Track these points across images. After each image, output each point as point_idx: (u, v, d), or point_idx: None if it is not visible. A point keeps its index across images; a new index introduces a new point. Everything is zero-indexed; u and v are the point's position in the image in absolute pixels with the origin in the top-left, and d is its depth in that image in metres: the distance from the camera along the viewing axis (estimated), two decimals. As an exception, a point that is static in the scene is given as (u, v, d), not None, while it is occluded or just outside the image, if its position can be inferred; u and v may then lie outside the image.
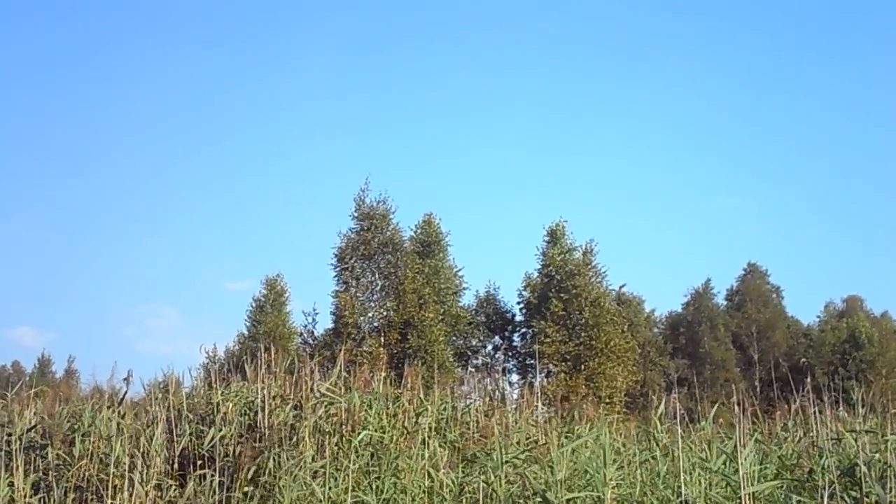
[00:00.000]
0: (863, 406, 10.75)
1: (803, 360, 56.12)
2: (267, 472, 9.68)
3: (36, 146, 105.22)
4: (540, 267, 50.48)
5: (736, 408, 7.38)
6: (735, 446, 7.91)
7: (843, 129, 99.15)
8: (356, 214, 48.90)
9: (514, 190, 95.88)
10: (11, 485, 9.75)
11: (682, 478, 7.20)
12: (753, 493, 6.82)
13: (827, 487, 7.09)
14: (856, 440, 8.55)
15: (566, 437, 9.38)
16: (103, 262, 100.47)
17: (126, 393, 11.06)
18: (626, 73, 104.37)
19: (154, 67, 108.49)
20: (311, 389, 10.95)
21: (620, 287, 50.82)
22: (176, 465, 10.09)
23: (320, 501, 8.57)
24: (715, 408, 11.28)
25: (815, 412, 10.18)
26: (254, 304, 56.15)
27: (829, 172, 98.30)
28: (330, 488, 8.80)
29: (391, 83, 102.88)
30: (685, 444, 7.98)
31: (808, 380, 10.89)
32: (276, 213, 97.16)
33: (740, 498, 6.84)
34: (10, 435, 10.37)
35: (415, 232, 51.47)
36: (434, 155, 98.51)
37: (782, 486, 7.97)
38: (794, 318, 72.19)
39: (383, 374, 12.30)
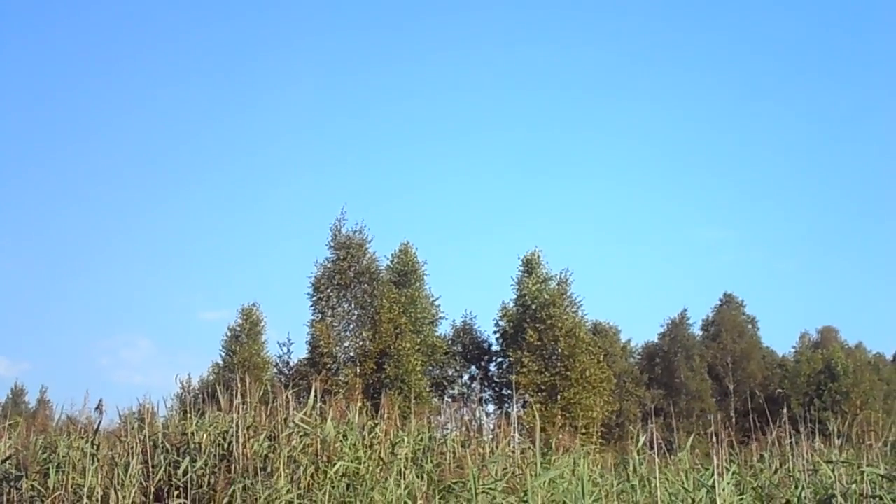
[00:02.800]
0: (838, 437, 10.78)
1: (779, 390, 56.30)
2: (241, 502, 9.62)
3: (9, 178, 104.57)
4: (515, 297, 50.52)
5: (714, 438, 7.37)
6: (712, 477, 7.91)
7: (818, 162, 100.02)
8: (332, 244, 48.87)
9: (491, 219, 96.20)
10: (-16, 517, 9.66)
11: (659, 509, 7.18)
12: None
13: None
14: (832, 470, 8.57)
15: (543, 468, 9.34)
16: (77, 291, 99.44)
17: (100, 423, 10.98)
18: (604, 103, 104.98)
19: (130, 98, 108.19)
20: (286, 420, 10.89)
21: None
22: (151, 496, 10.00)
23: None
24: (691, 438, 11.29)
25: (790, 443, 10.20)
26: (229, 334, 55.78)
27: (804, 204, 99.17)
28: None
29: (367, 113, 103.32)
30: (662, 475, 7.98)
31: (785, 410, 10.90)
32: (252, 242, 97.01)
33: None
34: (-17, 467, 10.28)
35: (391, 261, 51.49)
36: (410, 185, 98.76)
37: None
38: (770, 349, 72.37)
39: (359, 405, 12.23)
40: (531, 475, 8.81)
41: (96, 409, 11.03)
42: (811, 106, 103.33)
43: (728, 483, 7.46)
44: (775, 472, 10.36)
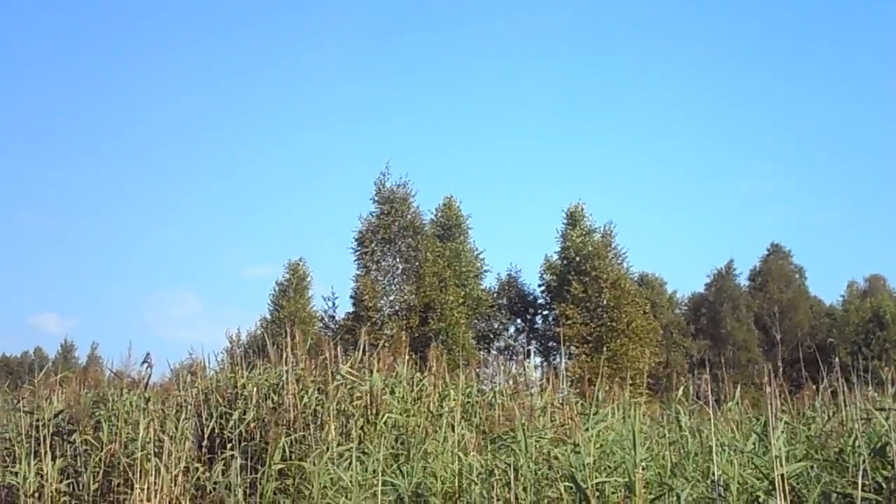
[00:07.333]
0: (892, 385, 10.66)
1: (829, 339, 55.90)
2: (292, 455, 9.70)
3: (58, 133, 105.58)
4: (560, 249, 50.46)
5: (767, 388, 7.31)
6: (765, 426, 7.85)
7: (863, 107, 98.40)
8: (377, 198, 49.04)
9: (534, 172, 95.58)
10: (40, 471, 9.79)
11: (714, 459, 7.14)
12: (785, 474, 6.76)
13: (859, 467, 7.03)
14: (886, 419, 8.48)
15: (592, 419, 9.34)
16: (125, 248, 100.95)
17: (150, 377, 11.08)
18: (644, 56, 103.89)
19: (171, 52, 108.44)
20: (334, 372, 10.94)
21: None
22: (203, 449, 10.10)
23: (348, 485, 8.55)
24: (738, 388, 11.24)
25: (842, 391, 10.10)
26: (276, 289, 56.25)
27: (850, 151, 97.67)
28: (358, 472, 8.77)
29: (411, 67, 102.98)
30: (713, 426, 7.94)
31: (836, 359, 10.79)
32: (295, 197, 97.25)
33: (772, 479, 6.78)
34: (38, 421, 10.41)
35: (435, 215, 51.52)
36: (454, 139, 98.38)
37: (812, 467, 7.91)
38: (817, 298, 71.88)
39: (406, 358, 12.26)
40: (581, 426, 8.80)
41: (143, 362, 11.10)
42: (857, 50, 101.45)
43: (782, 432, 7.41)
44: (827, 421, 10.28)
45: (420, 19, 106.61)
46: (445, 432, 9.45)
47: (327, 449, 9.27)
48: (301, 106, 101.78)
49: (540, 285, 52.37)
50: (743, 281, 70.72)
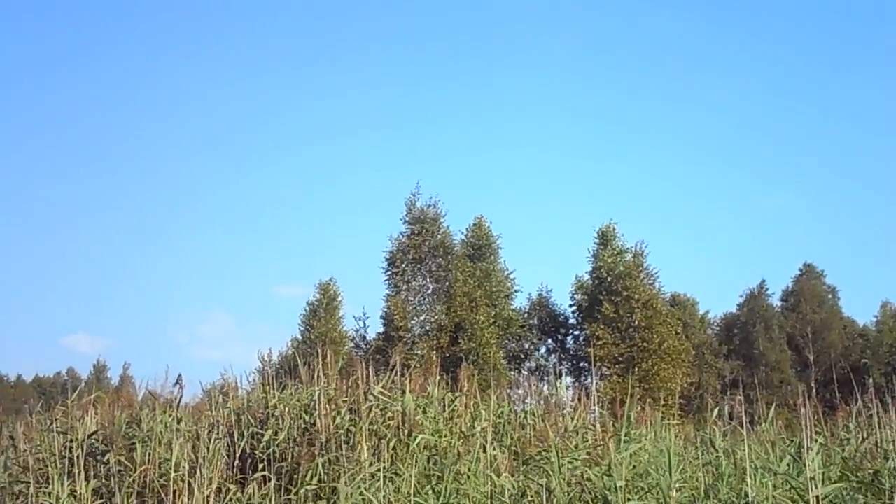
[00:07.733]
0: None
1: (863, 360, 55.38)
2: (325, 475, 9.69)
3: (91, 154, 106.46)
4: (591, 269, 50.35)
5: (801, 409, 7.26)
6: (799, 448, 7.79)
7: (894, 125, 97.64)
8: (407, 218, 49.15)
9: (565, 192, 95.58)
10: (73, 491, 9.83)
11: (748, 481, 7.09)
12: (820, 495, 6.70)
13: (894, 489, 6.96)
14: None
15: (624, 441, 9.29)
16: (156, 268, 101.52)
17: (181, 397, 11.14)
18: (676, 73, 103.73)
19: (202, 71, 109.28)
20: (366, 393, 10.94)
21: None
22: (235, 470, 10.12)
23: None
24: (772, 409, 11.15)
25: (877, 413, 10.00)
26: (307, 309, 56.34)
27: (882, 170, 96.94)
28: (390, 493, 8.76)
29: (441, 86, 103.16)
30: (747, 447, 7.88)
31: (870, 380, 10.69)
32: (326, 217, 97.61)
33: (807, 500, 6.72)
34: (71, 441, 10.45)
35: (466, 235, 51.52)
36: (484, 158, 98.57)
37: (847, 489, 7.83)
38: (850, 319, 71.09)
39: (437, 378, 12.24)
40: (613, 448, 8.76)
41: (176, 384, 11.18)
42: (888, 67, 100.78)
43: (817, 454, 7.35)
44: (862, 442, 10.18)
45: (451, 40, 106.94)
46: (477, 453, 9.42)
47: (360, 470, 9.27)
48: (330, 125, 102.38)
49: (571, 305, 52.38)
50: (775, 301, 70.22)
